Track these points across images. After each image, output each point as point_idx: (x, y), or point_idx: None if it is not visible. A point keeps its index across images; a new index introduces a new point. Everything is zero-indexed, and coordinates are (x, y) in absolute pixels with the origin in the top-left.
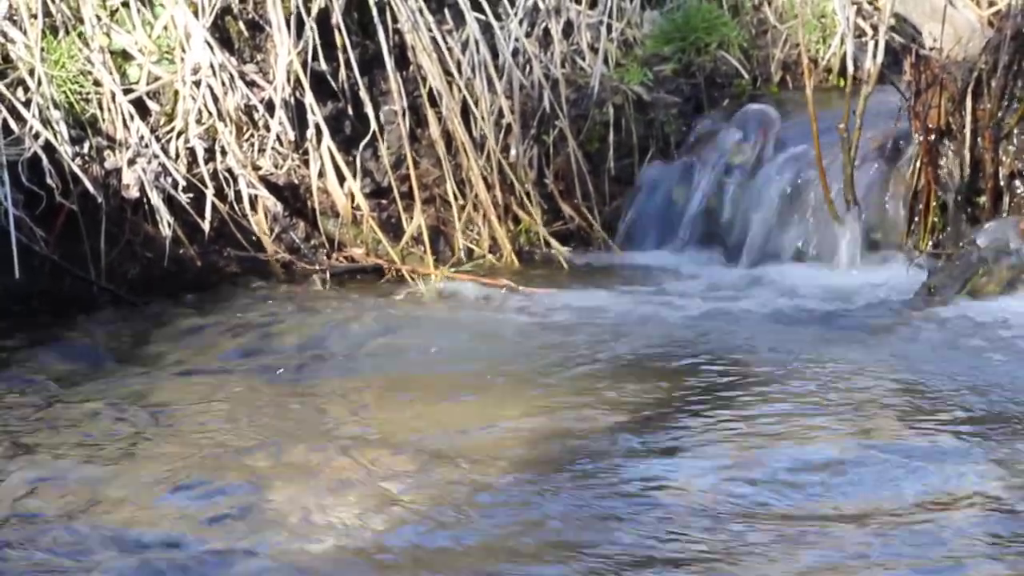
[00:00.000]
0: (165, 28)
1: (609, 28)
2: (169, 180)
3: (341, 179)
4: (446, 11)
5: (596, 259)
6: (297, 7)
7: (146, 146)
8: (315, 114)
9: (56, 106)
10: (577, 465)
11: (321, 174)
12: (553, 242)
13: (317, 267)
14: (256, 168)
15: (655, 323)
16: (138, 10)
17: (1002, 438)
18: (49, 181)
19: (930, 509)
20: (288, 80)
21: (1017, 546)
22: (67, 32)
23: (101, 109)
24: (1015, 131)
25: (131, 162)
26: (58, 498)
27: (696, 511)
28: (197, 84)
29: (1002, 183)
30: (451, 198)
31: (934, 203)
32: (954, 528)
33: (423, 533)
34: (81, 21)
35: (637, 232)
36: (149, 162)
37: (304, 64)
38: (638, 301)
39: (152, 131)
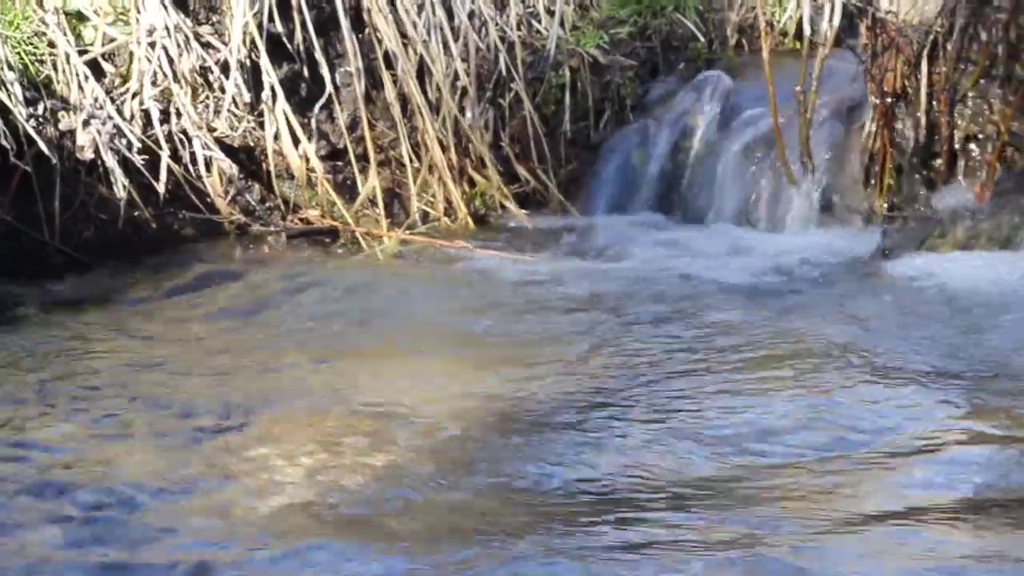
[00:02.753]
0: None
1: None
2: (124, 142)
3: (296, 141)
4: None
5: (552, 221)
6: None
7: (101, 108)
8: (270, 76)
9: (10, 67)
10: (527, 423)
11: (276, 136)
12: (509, 204)
13: (272, 229)
14: (211, 130)
15: (611, 284)
16: None
17: (954, 392)
18: (3, 142)
19: (887, 459)
20: (243, 42)
21: (969, 495)
22: None
23: (55, 70)
24: (970, 94)
25: (86, 124)
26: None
27: (648, 466)
28: (152, 46)
29: (957, 146)
30: (406, 160)
31: (890, 165)
32: (915, 480)
33: (376, 491)
34: None
35: (594, 194)
36: (104, 124)
37: (259, 26)
38: (594, 263)
39: (107, 93)
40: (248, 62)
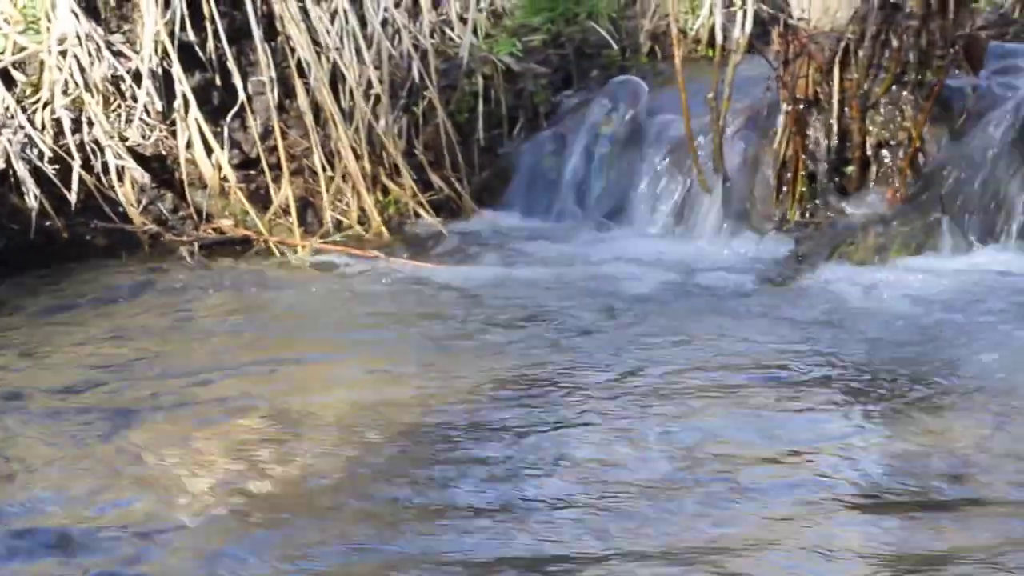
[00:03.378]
0: None
1: None
2: (35, 151)
3: (209, 150)
4: None
5: (466, 229)
6: None
7: (11, 117)
8: (183, 85)
9: None
10: (439, 430)
11: (189, 145)
12: (423, 212)
13: (185, 239)
14: (123, 139)
15: (523, 291)
16: None
17: (863, 398)
18: None
19: (794, 465)
20: (155, 50)
21: (873, 496)
22: None
23: None
24: (882, 101)
25: None
26: None
27: (562, 472)
28: (63, 54)
29: (869, 152)
30: (319, 169)
31: (802, 172)
32: (817, 482)
33: (285, 498)
34: None
35: (507, 202)
36: (15, 133)
37: (171, 34)
38: (508, 271)
39: (18, 102)
40: (160, 71)
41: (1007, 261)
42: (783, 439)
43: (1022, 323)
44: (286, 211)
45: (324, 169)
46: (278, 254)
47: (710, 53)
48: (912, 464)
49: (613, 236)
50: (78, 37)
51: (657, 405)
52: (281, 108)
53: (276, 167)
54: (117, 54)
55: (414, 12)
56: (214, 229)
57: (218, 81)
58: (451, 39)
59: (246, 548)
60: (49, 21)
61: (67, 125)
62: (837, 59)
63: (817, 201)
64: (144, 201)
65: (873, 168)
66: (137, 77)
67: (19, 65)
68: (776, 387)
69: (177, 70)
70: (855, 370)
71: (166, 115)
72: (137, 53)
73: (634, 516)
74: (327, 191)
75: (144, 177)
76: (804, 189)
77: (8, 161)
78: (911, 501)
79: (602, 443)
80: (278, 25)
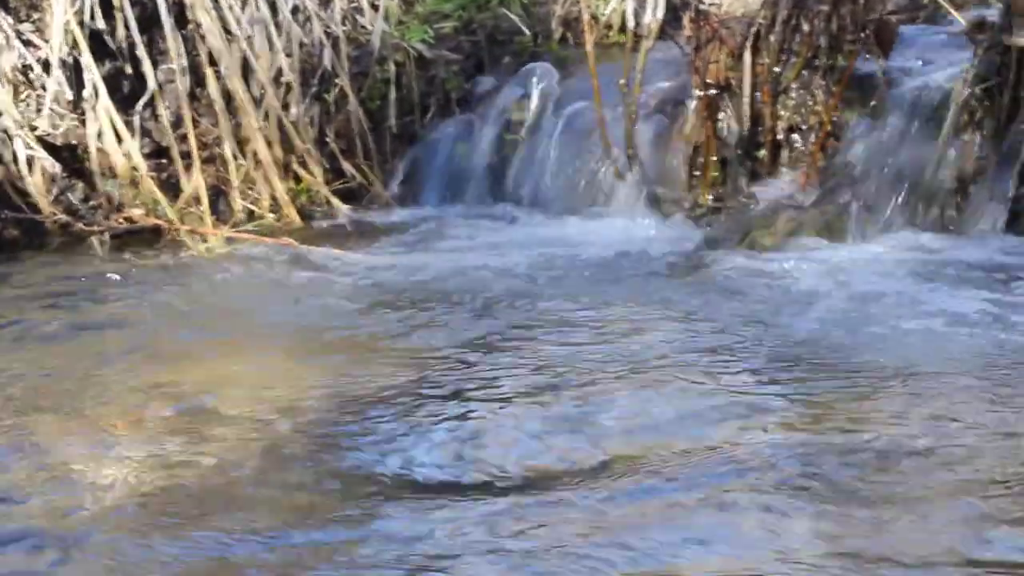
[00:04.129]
0: None
1: None
2: None
3: (119, 139)
4: None
5: (379, 216)
6: None
7: None
8: (93, 74)
9: None
10: (354, 417)
11: (99, 134)
12: (335, 200)
13: (95, 228)
14: (33, 128)
15: (436, 277)
16: None
17: (775, 383)
18: None
19: (707, 450)
20: (65, 39)
21: (786, 480)
22: None
23: None
24: (793, 86)
25: None
26: None
27: (476, 456)
28: None
29: (780, 137)
30: (231, 157)
31: (714, 157)
32: (731, 466)
33: (200, 487)
34: None
35: (420, 189)
36: None
37: (81, 23)
38: (422, 257)
39: None
40: (70, 60)
41: (917, 245)
42: (694, 424)
43: (932, 307)
44: (197, 200)
45: (235, 157)
46: (189, 243)
47: (622, 39)
48: (826, 447)
49: (525, 221)
50: None
51: (566, 389)
52: (192, 97)
53: (187, 156)
54: (26, 43)
55: (325, 0)
56: (125, 218)
57: (128, 70)
58: (362, 26)
59: (157, 540)
60: None
61: None
62: (748, 44)
63: (728, 185)
64: (54, 191)
65: (784, 152)
66: (47, 66)
67: None
68: (687, 371)
69: (87, 59)
70: (766, 354)
71: (76, 104)
72: (47, 42)
73: (547, 504)
74: (238, 179)
75: (54, 167)
76: (715, 173)
77: None
78: (825, 485)
79: (514, 428)
80: (189, 13)
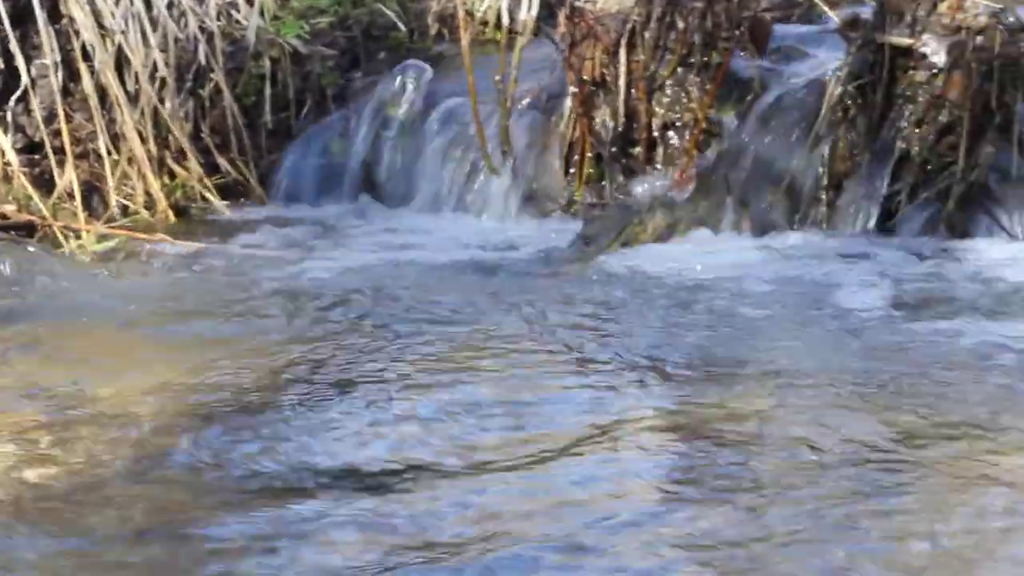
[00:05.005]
0: None
1: None
2: None
3: None
4: None
5: (255, 213)
6: None
7: None
8: None
9: None
10: (230, 416)
11: None
12: (210, 196)
13: None
14: None
15: (311, 275)
16: None
17: (650, 383)
18: None
19: (580, 448)
20: None
21: (661, 478)
22: None
23: None
24: (668, 82)
25: None
26: None
27: (357, 453)
28: None
29: (656, 134)
30: (105, 153)
31: (589, 154)
32: (616, 467)
33: (70, 486)
34: None
35: (296, 186)
36: None
37: None
38: (300, 255)
39: None
40: None
41: (790, 242)
42: (568, 422)
43: (803, 304)
44: (71, 195)
45: (109, 153)
46: (63, 240)
47: (498, 36)
48: (699, 444)
49: (401, 219)
50: None
51: (439, 389)
52: (66, 91)
53: (60, 151)
54: None
55: None
56: None
57: (0, 65)
58: (238, 21)
59: (22, 540)
60: None
61: None
62: (623, 41)
63: (604, 182)
64: None
65: (660, 150)
66: None
67: None
68: (561, 369)
69: None
70: (640, 352)
71: None
72: None
73: (420, 501)
74: (113, 175)
75: None
76: (591, 170)
77: None
78: (700, 482)
79: (388, 424)
80: (62, 7)
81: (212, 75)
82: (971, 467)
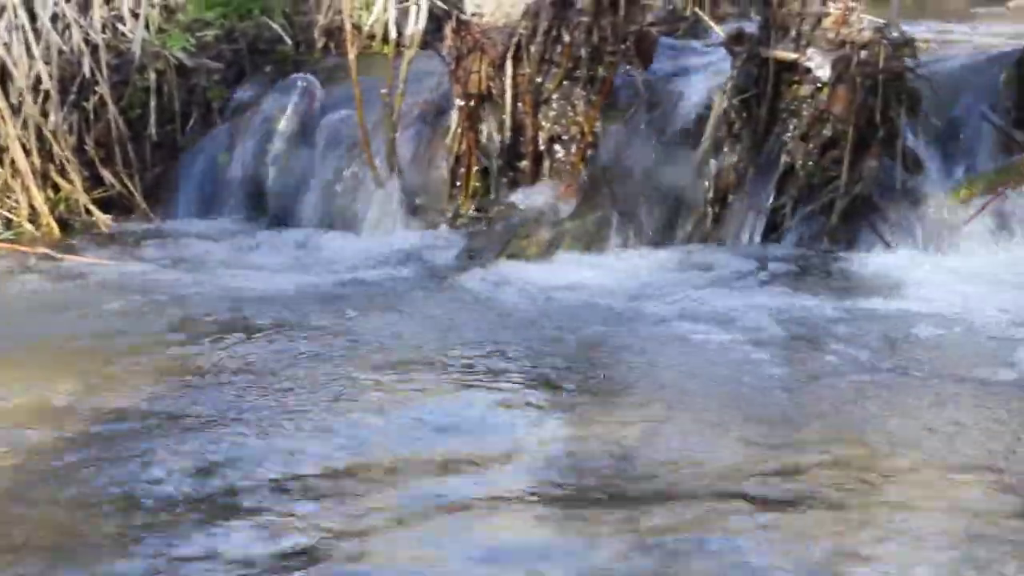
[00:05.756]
0: None
1: None
2: None
3: None
4: None
5: (139, 227)
6: None
7: None
8: None
9: None
10: (112, 433)
11: None
12: (94, 209)
13: None
14: None
15: (195, 290)
16: None
17: (535, 395)
18: None
19: (463, 462)
20: None
21: (544, 491)
22: None
23: None
24: (554, 96)
25: None
26: None
27: (238, 469)
28: None
29: (542, 147)
30: None
31: (476, 167)
32: (486, 477)
33: None
34: None
35: (181, 199)
36: None
37: None
38: (181, 269)
39: None
40: None
41: (676, 255)
42: (450, 435)
43: (688, 316)
44: None
45: None
46: None
47: (385, 49)
48: (583, 459)
49: (287, 233)
50: None
51: (319, 403)
52: None
53: None
54: None
55: (85, 7)
56: None
57: None
58: (123, 34)
59: None
60: None
61: None
62: (510, 54)
63: (490, 196)
64: None
65: (546, 163)
66: None
67: None
68: (445, 381)
69: None
70: (524, 366)
71: None
72: None
73: (305, 513)
74: None
75: None
76: (477, 184)
77: None
78: (582, 496)
79: (266, 441)
80: None
81: (97, 88)
82: (845, 480)
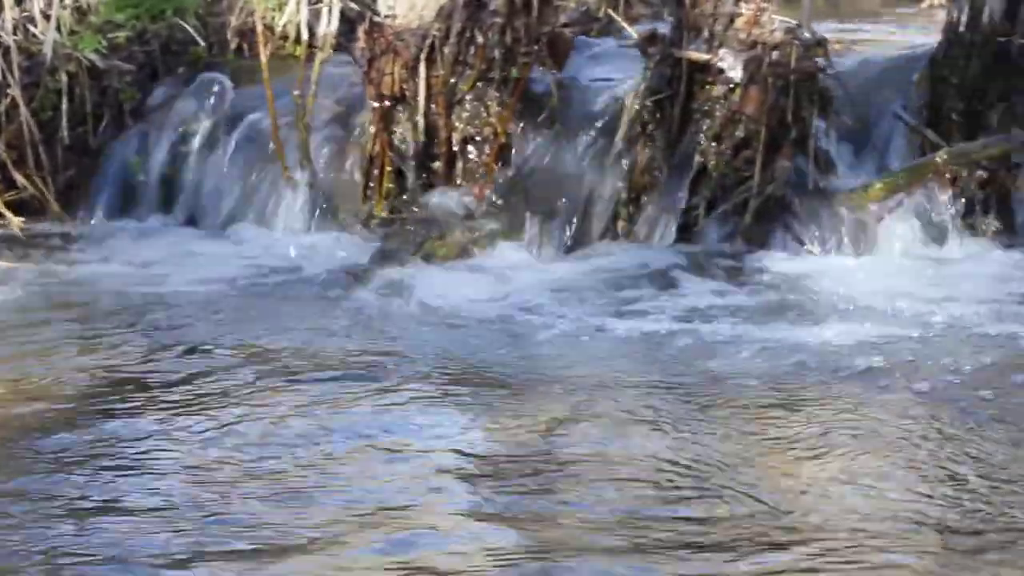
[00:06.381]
0: None
1: None
2: None
3: None
4: None
5: (51, 228)
6: None
7: None
8: None
9: None
10: (17, 435)
11: None
12: (6, 212)
13: None
14: None
15: (106, 292)
16: None
17: (448, 394)
18: None
19: (378, 461)
20: None
21: (460, 496)
22: None
23: None
24: (468, 97)
25: None
26: None
27: (138, 472)
28: None
29: (456, 148)
30: None
31: (389, 168)
32: (404, 477)
33: None
34: None
35: (93, 200)
36: None
37: None
38: (89, 270)
39: None
40: None
41: (590, 255)
42: (364, 436)
43: (599, 316)
44: None
45: None
46: None
47: (298, 51)
48: (497, 455)
49: (201, 234)
50: None
51: (229, 405)
52: None
53: None
54: None
55: None
56: None
57: None
58: (35, 36)
59: None
60: None
61: None
62: (423, 56)
63: (404, 197)
64: None
65: (460, 164)
66: None
67: None
68: (358, 384)
69: None
70: (437, 365)
71: None
72: None
73: (221, 518)
74: None
75: None
76: (391, 185)
77: None
78: (502, 492)
79: (180, 441)
80: None
81: (8, 90)
82: (750, 474)
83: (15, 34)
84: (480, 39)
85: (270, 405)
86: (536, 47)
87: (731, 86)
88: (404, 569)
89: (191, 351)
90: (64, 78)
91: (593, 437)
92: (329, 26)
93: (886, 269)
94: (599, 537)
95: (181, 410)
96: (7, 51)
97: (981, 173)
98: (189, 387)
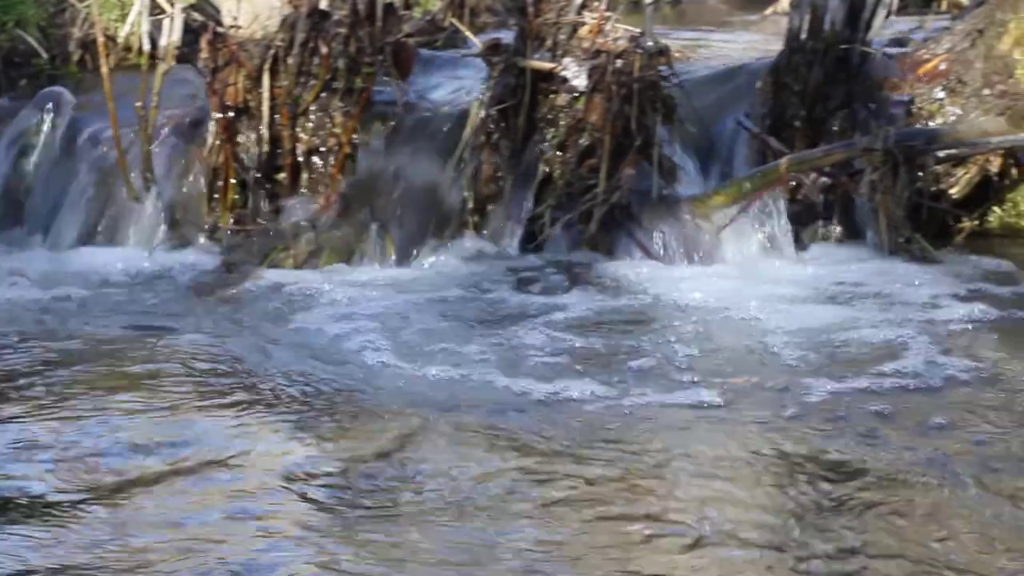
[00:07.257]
0: None
1: None
2: None
3: None
4: None
5: None
6: None
7: None
8: None
9: None
10: None
11: None
12: None
13: None
14: None
15: None
16: None
17: (290, 408)
18: None
19: (219, 474)
20: None
21: (314, 510)
22: None
23: None
24: (312, 108)
25: None
26: None
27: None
28: None
29: (300, 159)
30: None
31: (234, 180)
32: (247, 492)
33: None
34: None
35: None
36: None
37: None
38: None
39: None
40: None
41: (434, 266)
42: (208, 448)
43: (436, 327)
44: None
45: None
46: None
47: (142, 61)
48: (337, 470)
49: (43, 248)
50: None
51: (48, 417)
52: None
53: None
54: None
55: None
56: None
57: None
58: None
59: None
60: None
61: None
62: (267, 66)
63: (249, 208)
64: None
65: (305, 175)
66: None
67: None
68: (201, 395)
69: None
70: (279, 380)
71: None
72: None
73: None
74: None
75: None
76: (236, 196)
77: None
78: (361, 506)
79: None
80: None
81: None
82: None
83: None
84: (324, 49)
85: (90, 415)
86: (380, 57)
87: (575, 95)
88: None
89: (14, 363)
90: None
91: (427, 453)
92: (172, 36)
93: (728, 275)
94: None
95: (34, 419)
96: None
97: (824, 179)
98: (34, 400)
